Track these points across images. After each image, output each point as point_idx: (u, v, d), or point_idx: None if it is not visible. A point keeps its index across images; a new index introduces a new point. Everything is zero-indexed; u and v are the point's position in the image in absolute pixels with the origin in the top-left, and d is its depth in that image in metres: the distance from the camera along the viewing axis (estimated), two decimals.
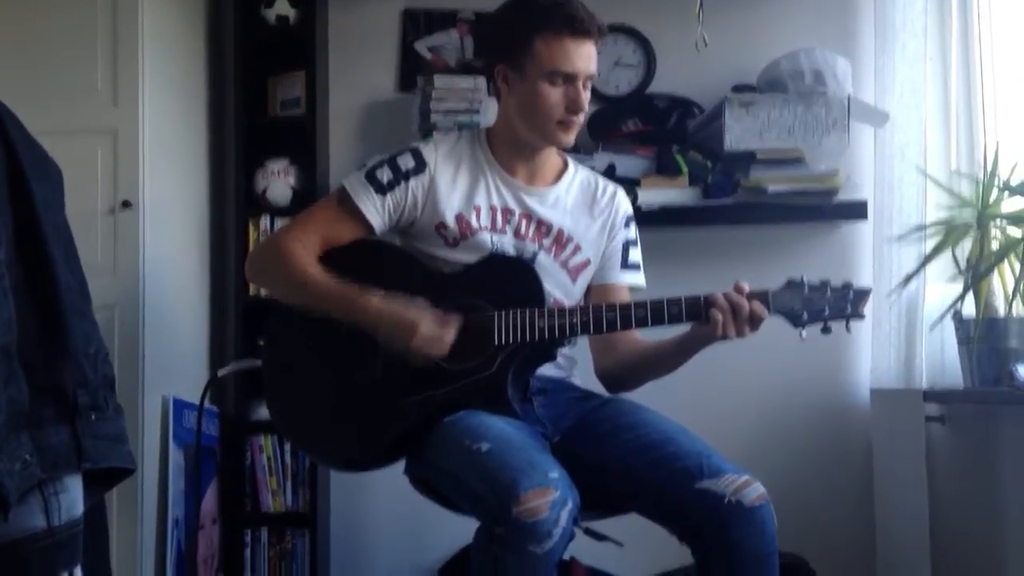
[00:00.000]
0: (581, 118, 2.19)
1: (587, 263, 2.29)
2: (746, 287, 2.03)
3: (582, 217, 2.29)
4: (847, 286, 2.05)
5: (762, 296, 2.03)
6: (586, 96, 2.18)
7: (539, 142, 2.23)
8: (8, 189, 1.29)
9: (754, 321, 2.02)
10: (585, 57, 2.14)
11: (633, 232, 2.36)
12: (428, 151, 2.23)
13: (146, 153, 2.96)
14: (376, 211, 2.19)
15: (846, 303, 2.04)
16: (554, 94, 2.14)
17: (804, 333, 2.04)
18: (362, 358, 2.12)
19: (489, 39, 2.30)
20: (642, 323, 2.07)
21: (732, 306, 2.00)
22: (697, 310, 2.03)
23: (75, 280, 1.38)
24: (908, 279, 2.73)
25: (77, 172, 2.20)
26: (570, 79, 2.14)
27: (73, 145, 2.74)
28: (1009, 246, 2.55)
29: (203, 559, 3.13)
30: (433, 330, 2.06)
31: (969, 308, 2.64)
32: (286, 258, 2.18)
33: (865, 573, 3.10)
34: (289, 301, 2.22)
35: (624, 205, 2.36)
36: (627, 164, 3.23)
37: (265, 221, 3.29)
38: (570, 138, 2.21)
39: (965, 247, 2.71)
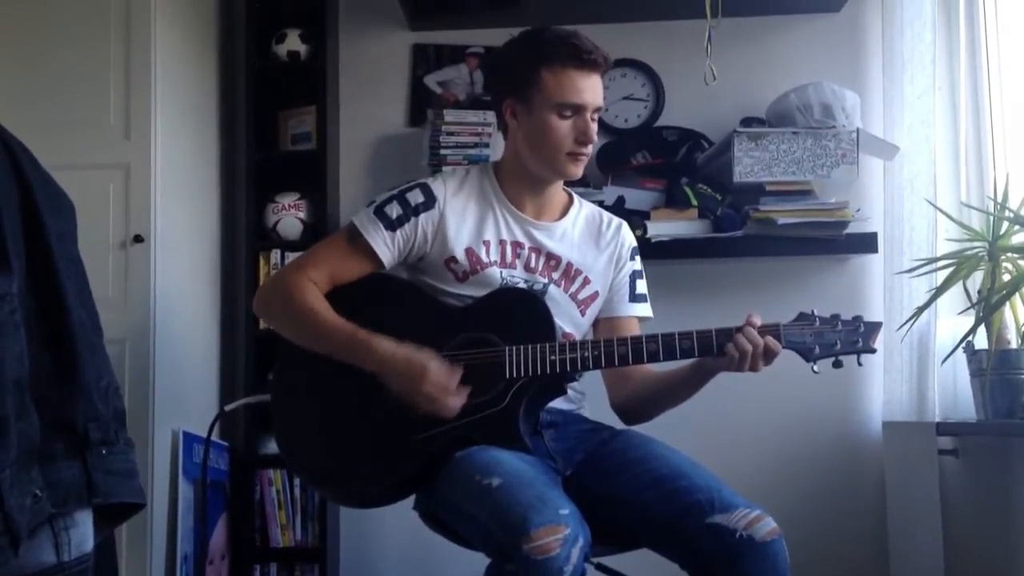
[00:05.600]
0: (590, 150, 2.21)
1: (596, 295, 2.29)
2: (758, 320, 2.03)
3: (589, 250, 2.30)
4: (858, 320, 2.06)
5: (774, 331, 2.03)
6: (594, 128, 2.18)
7: (549, 175, 2.24)
8: (22, 223, 1.29)
9: (767, 356, 2.02)
10: (592, 89, 2.16)
11: (639, 264, 2.36)
12: (437, 186, 2.24)
13: (158, 187, 2.98)
14: (386, 247, 2.19)
15: (857, 337, 2.04)
16: (563, 126, 2.15)
17: (816, 367, 2.03)
18: (372, 393, 2.11)
19: (497, 73, 2.31)
20: (654, 357, 2.07)
21: (746, 342, 2.00)
22: (709, 345, 2.03)
23: (87, 314, 1.38)
24: (919, 312, 2.72)
25: (89, 206, 2.23)
26: (578, 111, 2.15)
27: (85, 179, 2.76)
28: (1021, 278, 2.54)
29: None
30: (442, 376, 2.05)
31: (981, 340, 2.62)
32: (293, 295, 2.17)
33: None
34: (295, 339, 2.21)
35: (629, 238, 2.37)
36: (637, 197, 3.25)
37: (276, 255, 3.30)
38: (579, 170, 2.22)
39: (976, 279, 2.70)
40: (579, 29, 2.22)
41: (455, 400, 2.05)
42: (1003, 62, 3.02)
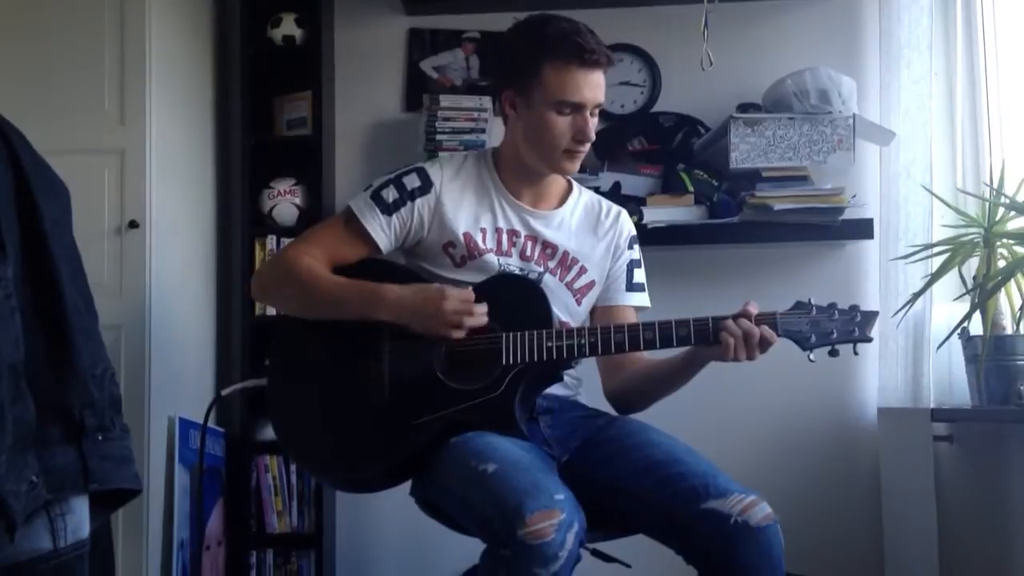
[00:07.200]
0: (587, 147, 2.20)
1: (592, 284, 2.29)
2: (754, 309, 2.03)
3: (587, 238, 2.29)
4: (854, 309, 2.05)
5: (770, 319, 2.03)
6: (593, 124, 2.17)
7: (544, 169, 2.23)
8: (16, 208, 1.29)
9: (763, 345, 2.01)
10: (593, 86, 2.14)
11: (637, 253, 2.36)
12: (434, 171, 2.24)
13: (153, 173, 2.97)
14: (382, 231, 2.19)
15: (853, 326, 2.04)
16: (561, 123, 2.14)
17: (812, 356, 2.03)
18: (368, 378, 2.12)
19: (497, 64, 2.30)
20: (650, 345, 2.07)
21: (742, 331, 2.00)
22: (705, 333, 2.03)
23: (82, 300, 1.38)
24: (915, 298, 2.73)
25: (84, 191, 2.22)
26: (578, 109, 2.14)
27: (80, 164, 2.75)
28: (1016, 264, 2.54)
29: None
30: (460, 293, 2.05)
31: (976, 326, 2.63)
32: (295, 267, 2.17)
33: None
34: (298, 309, 2.21)
35: (628, 226, 2.36)
36: (633, 182, 3.25)
37: (271, 241, 3.30)
38: (575, 166, 2.22)
39: (972, 265, 2.70)
40: (576, 15, 2.21)
41: (480, 309, 2.05)
42: (1000, 48, 3.02)
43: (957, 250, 2.67)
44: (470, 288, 2.08)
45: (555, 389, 2.18)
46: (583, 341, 2.07)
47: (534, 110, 2.16)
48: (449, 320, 2.04)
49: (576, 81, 2.12)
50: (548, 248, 2.25)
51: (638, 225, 2.61)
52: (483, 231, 2.22)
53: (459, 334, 2.05)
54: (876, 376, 3.14)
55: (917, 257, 2.78)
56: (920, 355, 2.90)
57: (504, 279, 2.18)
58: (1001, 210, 2.62)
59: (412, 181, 2.22)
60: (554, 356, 2.06)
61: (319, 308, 2.17)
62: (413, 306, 2.06)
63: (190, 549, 3.06)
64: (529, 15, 2.23)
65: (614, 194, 3.13)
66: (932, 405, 2.87)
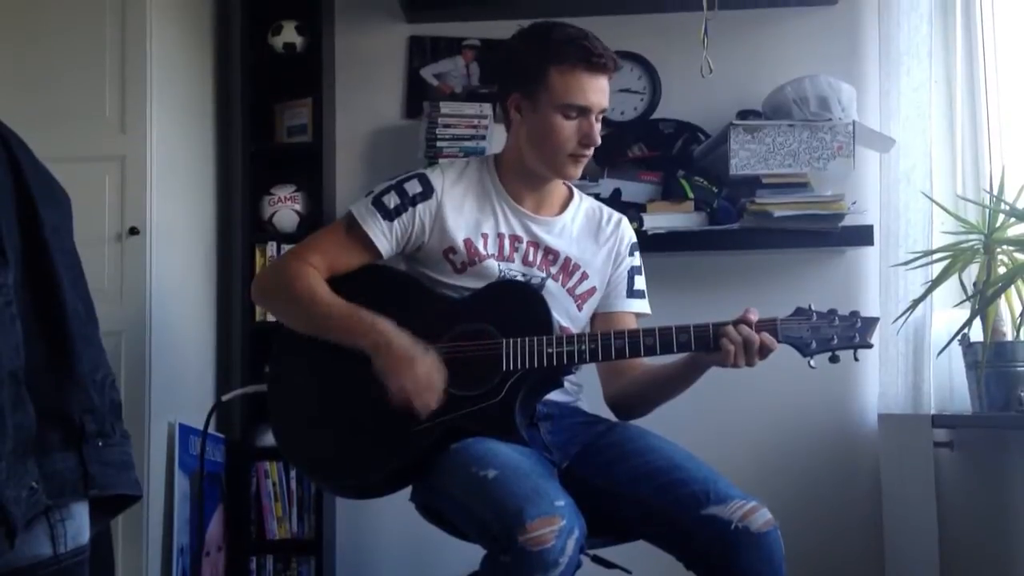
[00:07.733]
0: (591, 152, 2.20)
1: (593, 291, 2.29)
2: (754, 316, 2.02)
3: (588, 245, 2.30)
4: (855, 315, 2.05)
5: (771, 326, 2.02)
6: (598, 129, 2.18)
7: (547, 173, 2.23)
8: (17, 215, 1.29)
9: (763, 352, 2.01)
10: (599, 91, 2.15)
11: (638, 260, 2.36)
12: (435, 176, 2.24)
13: (153, 179, 2.97)
14: (384, 236, 2.19)
15: (854, 332, 2.03)
16: (567, 127, 2.15)
17: (812, 362, 2.03)
18: (369, 384, 2.11)
19: (504, 67, 2.30)
20: (650, 351, 2.06)
21: (742, 338, 2.00)
22: (706, 339, 2.03)
23: (83, 306, 1.38)
24: (915, 304, 2.73)
25: (84, 198, 2.20)
26: (584, 112, 2.14)
27: (80, 171, 2.74)
28: (1016, 271, 2.54)
29: None
30: (430, 373, 2.04)
31: (976, 333, 2.63)
32: (293, 279, 2.17)
33: None
34: (294, 323, 2.21)
35: (628, 233, 2.36)
36: (633, 189, 3.25)
37: (271, 247, 3.30)
38: (578, 171, 2.22)
39: (972, 272, 2.70)
40: (576, 23, 2.21)
41: (431, 398, 2.04)
42: (999, 55, 3.03)
43: (957, 257, 2.67)
44: (444, 374, 2.05)
45: (555, 395, 2.18)
46: (583, 347, 2.07)
47: (539, 113, 2.16)
48: (401, 389, 2.03)
49: (582, 85, 2.13)
50: (550, 254, 2.25)
51: (638, 232, 2.62)
52: (484, 236, 2.22)
53: (402, 399, 2.04)
54: (876, 382, 3.14)
55: (917, 264, 2.78)
56: (920, 361, 2.90)
57: (504, 285, 2.18)
58: (1001, 216, 2.62)
59: (413, 187, 2.22)
60: (554, 362, 2.06)
61: (311, 326, 2.17)
62: (387, 353, 2.05)
63: (190, 555, 3.06)
64: (533, 22, 2.23)
65: (614, 200, 3.13)
66: (933, 411, 2.87)
